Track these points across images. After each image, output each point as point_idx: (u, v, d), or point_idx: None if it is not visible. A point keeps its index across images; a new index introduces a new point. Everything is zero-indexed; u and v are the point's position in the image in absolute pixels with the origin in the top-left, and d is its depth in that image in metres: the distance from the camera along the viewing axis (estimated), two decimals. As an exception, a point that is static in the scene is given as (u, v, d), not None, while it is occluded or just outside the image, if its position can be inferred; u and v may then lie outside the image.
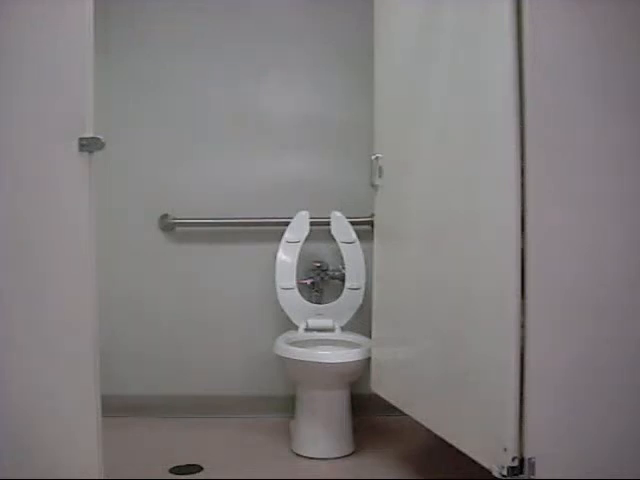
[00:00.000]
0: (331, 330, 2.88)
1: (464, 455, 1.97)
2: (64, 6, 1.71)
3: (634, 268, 1.79)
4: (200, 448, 2.69)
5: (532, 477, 1.77)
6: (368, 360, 2.59)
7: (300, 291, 2.97)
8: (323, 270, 3.05)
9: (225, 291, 3.12)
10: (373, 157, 2.55)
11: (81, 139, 1.71)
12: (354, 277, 2.95)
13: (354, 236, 2.97)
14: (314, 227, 2.98)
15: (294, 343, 2.70)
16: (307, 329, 2.89)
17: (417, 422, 2.28)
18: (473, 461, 1.92)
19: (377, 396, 2.56)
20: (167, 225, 3.10)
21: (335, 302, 2.97)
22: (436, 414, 2.18)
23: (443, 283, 2.13)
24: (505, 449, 1.78)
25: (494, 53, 1.84)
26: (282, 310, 2.95)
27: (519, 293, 1.77)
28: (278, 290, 2.95)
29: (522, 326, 1.78)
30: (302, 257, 2.99)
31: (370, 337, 2.65)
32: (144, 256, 3.11)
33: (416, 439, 2.75)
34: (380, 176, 2.54)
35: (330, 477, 2.47)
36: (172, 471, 2.47)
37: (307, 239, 2.97)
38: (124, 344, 3.03)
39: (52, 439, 1.74)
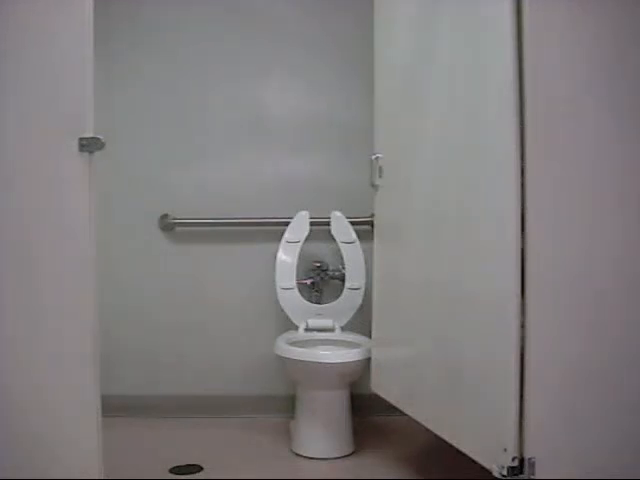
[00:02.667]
0: (331, 330, 2.88)
1: (464, 455, 1.97)
2: (64, 6, 1.71)
3: (633, 267, 1.79)
4: (200, 448, 2.69)
5: (532, 477, 1.77)
6: (368, 360, 2.59)
7: (300, 291, 2.97)
8: (323, 270, 3.05)
9: (225, 291, 3.12)
10: (373, 157, 2.55)
11: (81, 139, 1.71)
12: (354, 277, 2.95)
13: (354, 236, 2.97)
14: (314, 227, 2.98)
15: (294, 343, 2.70)
16: (307, 329, 2.89)
17: (417, 422, 2.28)
18: (473, 461, 1.92)
19: (377, 396, 2.56)
20: (167, 225, 3.10)
21: (335, 302, 2.97)
22: (436, 414, 2.18)
23: (443, 283, 2.13)
24: (505, 449, 1.78)
25: (494, 53, 1.84)
26: (282, 310, 2.95)
27: (519, 293, 1.77)
28: (278, 290, 2.95)
29: (522, 326, 1.78)
30: (302, 257, 2.99)
31: (370, 337, 2.65)
32: (144, 256, 3.11)
33: (416, 439, 2.75)
34: (380, 176, 2.53)
35: (330, 477, 2.47)
36: (172, 471, 2.47)
37: (307, 239, 2.97)
38: (124, 344, 3.03)
39: (52, 439, 1.74)
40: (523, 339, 1.78)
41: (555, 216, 1.77)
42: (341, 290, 2.98)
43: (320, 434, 2.62)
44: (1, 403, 1.71)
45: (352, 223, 2.98)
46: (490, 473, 1.84)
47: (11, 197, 1.71)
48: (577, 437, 1.79)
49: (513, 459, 1.78)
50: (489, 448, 1.85)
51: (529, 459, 1.77)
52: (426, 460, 2.57)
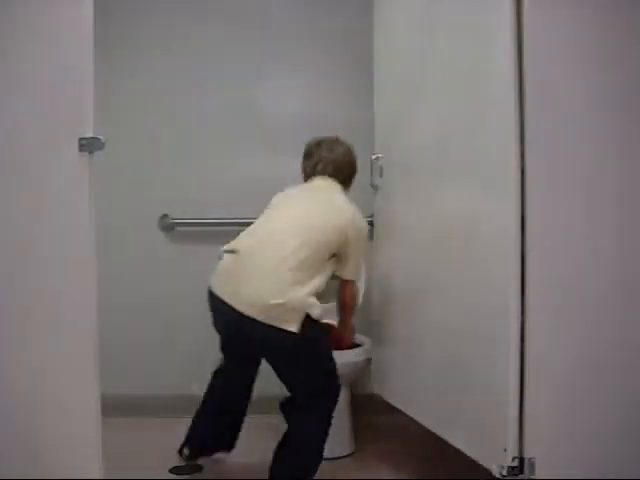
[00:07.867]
0: (331, 330, 2.87)
1: (464, 455, 1.97)
2: (64, 6, 1.71)
3: (633, 267, 1.79)
4: (200, 448, 2.68)
5: (532, 477, 1.77)
6: (368, 360, 2.58)
7: (300, 291, 2.96)
8: (323, 270, 3.04)
9: (225, 291, 3.11)
10: (373, 157, 2.56)
11: (81, 139, 1.71)
12: (354, 277, 2.94)
13: (354, 236, 2.95)
14: (314, 227, 2.97)
15: (294, 343, 2.69)
16: (307, 329, 2.88)
17: (417, 422, 2.28)
18: (473, 461, 1.92)
19: (377, 396, 2.56)
20: (167, 225, 3.10)
21: (335, 302, 2.96)
22: (436, 414, 2.18)
23: (443, 283, 2.13)
24: (505, 449, 1.78)
25: (494, 54, 1.84)
26: (282, 310, 2.94)
27: (519, 293, 1.77)
28: (278, 290, 2.93)
29: (522, 326, 1.78)
30: (302, 257, 2.97)
31: (370, 337, 2.65)
32: (144, 256, 3.11)
33: (416, 439, 2.75)
34: (380, 176, 2.54)
35: (330, 477, 2.46)
36: (172, 471, 2.47)
37: (307, 239, 2.96)
38: (124, 344, 3.03)
39: (52, 439, 1.74)
40: (523, 339, 1.78)
41: (555, 216, 1.77)
42: (341, 290, 2.97)
43: (320, 434, 2.61)
44: (1, 403, 1.71)
45: (352, 223, 2.97)
46: (490, 473, 1.84)
47: (11, 197, 1.71)
48: (577, 437, 1.79)
49: (513, 459, 1.78)
50: (489, 448, 1.85)
51: (529, 459, 1.77)
52: (426, 460, 2.57)
